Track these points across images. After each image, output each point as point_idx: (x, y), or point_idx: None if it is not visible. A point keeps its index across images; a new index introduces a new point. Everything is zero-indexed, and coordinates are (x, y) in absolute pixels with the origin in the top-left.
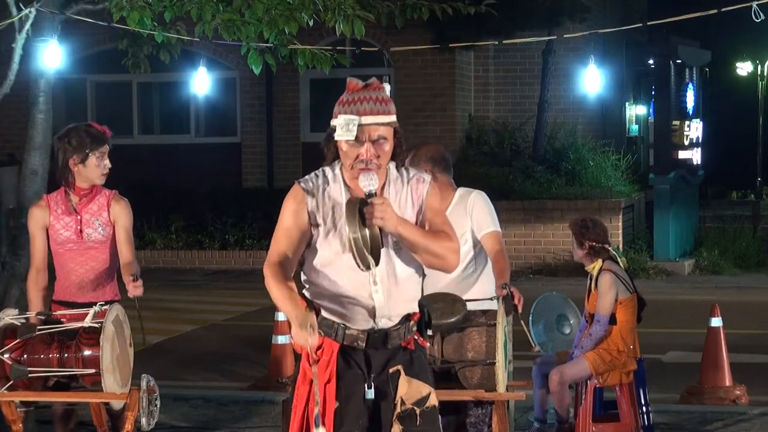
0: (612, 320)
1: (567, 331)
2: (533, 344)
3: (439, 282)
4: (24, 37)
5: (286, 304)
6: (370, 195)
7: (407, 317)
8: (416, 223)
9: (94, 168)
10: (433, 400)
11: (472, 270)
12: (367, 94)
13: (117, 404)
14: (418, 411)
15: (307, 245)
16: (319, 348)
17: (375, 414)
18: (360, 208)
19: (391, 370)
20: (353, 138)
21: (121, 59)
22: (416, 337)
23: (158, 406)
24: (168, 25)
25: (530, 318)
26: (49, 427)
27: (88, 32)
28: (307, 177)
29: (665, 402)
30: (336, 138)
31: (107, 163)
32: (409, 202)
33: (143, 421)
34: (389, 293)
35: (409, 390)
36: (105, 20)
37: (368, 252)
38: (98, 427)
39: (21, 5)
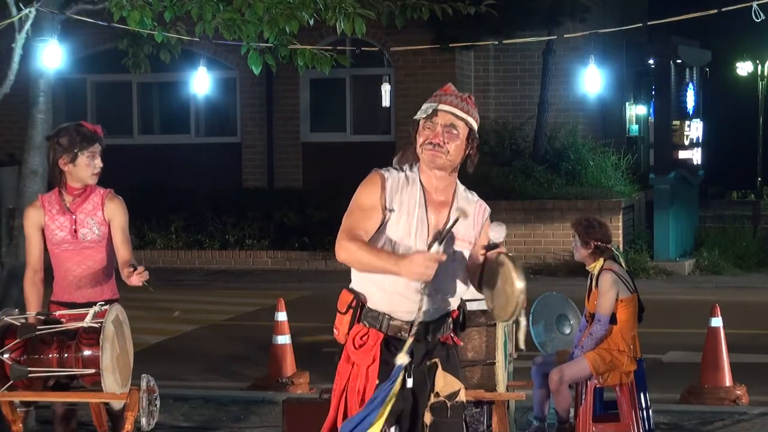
0: (612, 320)
1: (567, 331)
2: (514, 349)
3: None
4: (24, 37)
5: (385, 260)
6: (494, 246)
7: (447, 314)
8: (473, 244)
9: (84, 168)
10: (462, 396)
11: None
12: (455, 94)
13: (117, 404)
14: (449, 404)
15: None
16: (364, 335)
17: (412, 403)
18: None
19: (429, 363)
20: (425, 115)
21: (121, 59)
22: (452, 335)
23: (158, 406)
24: (168, 24)
25: (530, 318)
26: (49, 427)
27: (88, 32)
28: (385, 168)
29: (665, 402)
30: (415, 118)
31: (98, 162)
32: (473, 224)
33: (143, 421)
34: (437, 292)
35: (445, 384)
36: (105, 20)
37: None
38: (98, 427)
39: (21, 5)
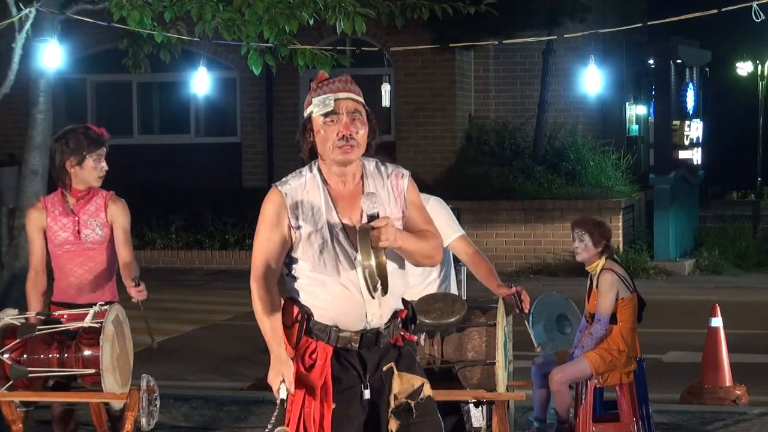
0: (613, 319)
1: (567, 331)
2: (535, 344)
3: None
4: (24, 37)
5: (270, 339)
6: (372, 218)
7: (395, 314)
8: (402, 219)
9: (90, 170)
10: (428, 391)
11: (436, 276)
12: (336, 79)
13: (117, 404)
14: (413, 403)
15: (290, 248)
16: (312, 352)
17: (372, 413)
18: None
19: (384, 369)
20: (331, 109)
21: (121, 59)
22: (402, 333)
23: (158, 406)
24: (168, 24)
25: (530, 318)
26: (49, 427)
27: (88, 32)
28: (284, 179)
29: (665, 402)
30: (315, 115)
31: (104, 165)
32: (391, 198)
33: (143, 421)
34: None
35: (402, 385)
36: (105, 20)
37: (378, 278)
38: (98, 427)
39: (21, 5)
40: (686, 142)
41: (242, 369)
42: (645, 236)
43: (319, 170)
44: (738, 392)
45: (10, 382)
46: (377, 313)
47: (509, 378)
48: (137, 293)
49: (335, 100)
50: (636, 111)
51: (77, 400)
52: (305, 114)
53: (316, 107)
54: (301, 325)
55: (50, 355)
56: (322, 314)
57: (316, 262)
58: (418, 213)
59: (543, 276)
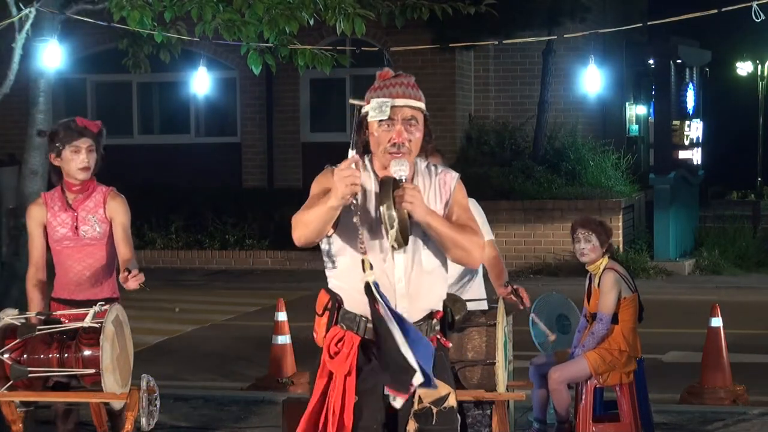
0: (614, 319)
1: (567, 331)
2: (548, 333)
3: None
4: (24, 37)
5: (323, 201)
6: (400, 181)
7: (430, 315)
8: (443, 214)
9: (68, 162)
10: (452, 401)
11: (469, 277)
12: (398, 80)
13: (117, 404)
14: (435, 410)
15: (333, 228)
16: (339, 341)
17: (393, 409)
18: (392, 189)
19: None
20: (386, 117)
21: (121, 59)
22: (439, 337)
23: (158, 406)
24: (168, 24)
25: (530, 318)
26: (49, 427)
27: (88, 32)
28: (337, 164)
29: (665, 402)
30: (369, 119)
31: (84, 157)
32: (437, 196)
33: (143, 421)
34: (412, 283)
35: (428, 388)
36: (105, 20)
37: (399, 231)
38: (98, 427)
39: (21, 5)
40: (686, 142)
41: (242, 369)
42: (645, 236)
43: (371, 162)
44: (738, 392)
45: (10, 382)
46: (407, 307)
47: (509, 378)
48: (133, 281)
49: (392, 107)
50: (636, 111)
51: (77, 400)
52: (363, 110)
53: (372, 111)
54: (331, 313)
55: (50, 355)
56: (354, 303)
57: (355, 247)
58: (462, 212)
59: (543, 276)
